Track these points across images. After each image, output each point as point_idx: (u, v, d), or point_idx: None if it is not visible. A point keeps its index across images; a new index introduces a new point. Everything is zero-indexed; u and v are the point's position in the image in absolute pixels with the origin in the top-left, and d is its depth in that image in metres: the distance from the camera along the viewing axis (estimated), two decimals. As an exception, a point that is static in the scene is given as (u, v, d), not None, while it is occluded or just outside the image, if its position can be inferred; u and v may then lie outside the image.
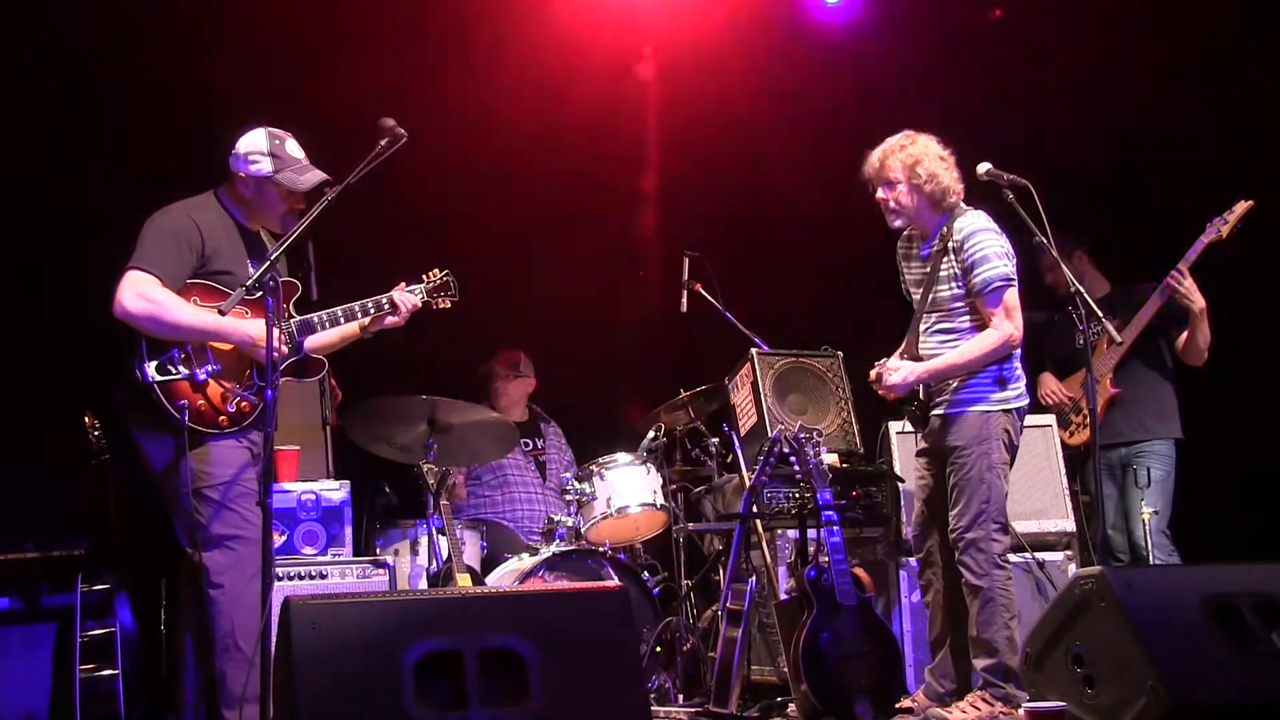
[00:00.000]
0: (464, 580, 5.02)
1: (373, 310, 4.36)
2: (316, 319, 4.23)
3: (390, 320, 4.40)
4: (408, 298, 4.41)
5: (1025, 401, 4.57)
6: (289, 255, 4.16)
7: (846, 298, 6.35)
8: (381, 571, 5.19)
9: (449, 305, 4.56)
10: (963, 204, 4.57)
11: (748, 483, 4.95)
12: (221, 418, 4.03)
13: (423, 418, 5.22)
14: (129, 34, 5.73)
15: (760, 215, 7.13)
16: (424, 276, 4.52)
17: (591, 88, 6.58)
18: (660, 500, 5.56)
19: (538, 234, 6.70)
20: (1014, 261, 4.50)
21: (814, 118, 6.76)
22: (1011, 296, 4.45)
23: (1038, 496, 5.29)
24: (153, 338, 3.98)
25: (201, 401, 4.00)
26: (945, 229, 4.53)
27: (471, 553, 5.55)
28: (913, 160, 4.50)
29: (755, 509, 4.89)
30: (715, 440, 5.74)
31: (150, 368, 3.95)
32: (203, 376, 4.00)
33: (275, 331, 3.81)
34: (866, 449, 5.39)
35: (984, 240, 4.45)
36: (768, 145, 6.86)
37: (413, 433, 5.26)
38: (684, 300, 5.91)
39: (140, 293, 3.95)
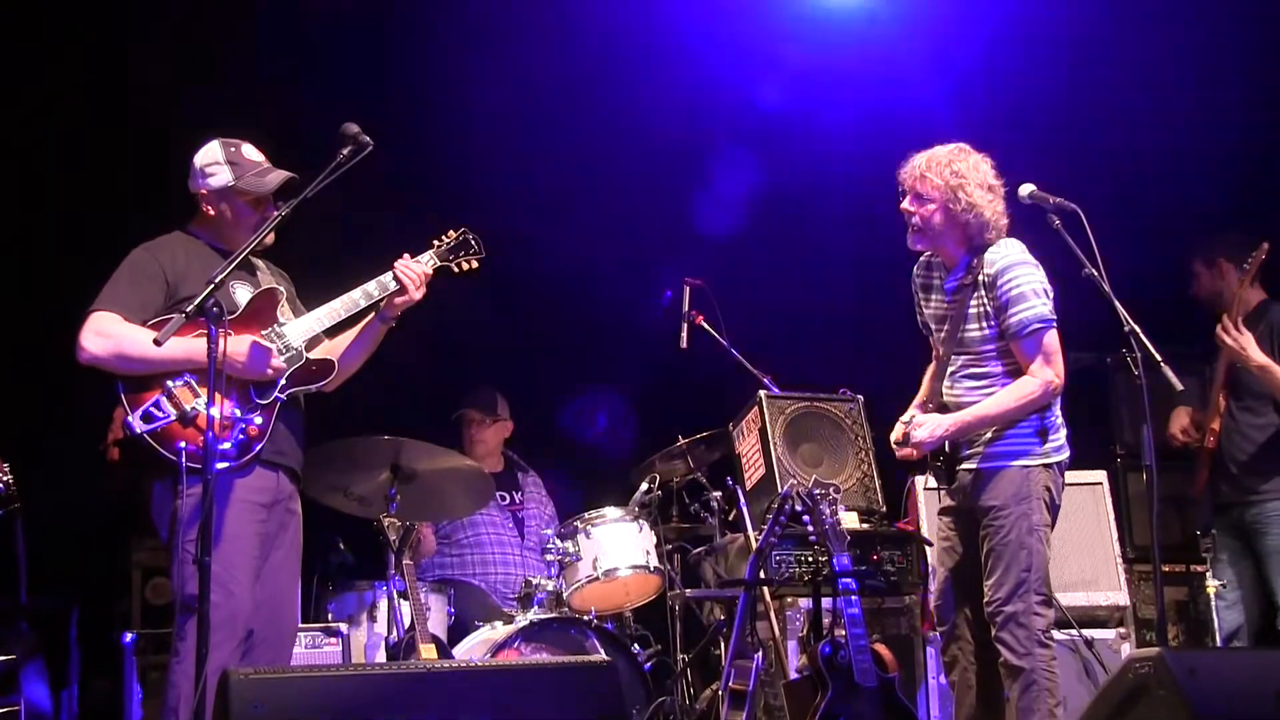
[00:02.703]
0: (428, 652, 4.98)
1: (376, 293, 4.35)
2: (314, 319, 4.29)
3: (402, 300, 4.37)
4: (413, 267, 4.38)
5: (1067, 455, 4.54)
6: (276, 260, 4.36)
7: (868, 334, 6.33)
8: (334, 641, 5.25)
9: (475, 265, 4.54)
10: None
11: (754, 544, 4.93)
12: (226, 445, 4.01)
13: (385, 464, 5.17)
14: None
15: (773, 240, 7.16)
16: (434, 241, 4.51)
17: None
18: (654, 562, 5.56)
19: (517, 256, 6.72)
20: (1052, 298, 4.47)
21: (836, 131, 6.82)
22: (1051, 339, 4.43)
23: (1086, 565, 5.32)
24: (128, 381, 4.03)
25: (201, 438, 3.95)
26: (975, 260, 4.51)
27: (437, 620, 5.55)
28: (957, 183, 4.45)
29: (762, 574, 4.86)
30: (717, 494, 5.72)
31: (135, 418, 3.98)
32: (194, 412, 4.00)
33: (248, 352, 4.04)
34: (889, 507, 5.39)
35: (1020, 276, 4.42)
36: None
37: (373, 482, 5.21)
38: (684, 334, 5.89)
39: (99, 330, 4.04)
